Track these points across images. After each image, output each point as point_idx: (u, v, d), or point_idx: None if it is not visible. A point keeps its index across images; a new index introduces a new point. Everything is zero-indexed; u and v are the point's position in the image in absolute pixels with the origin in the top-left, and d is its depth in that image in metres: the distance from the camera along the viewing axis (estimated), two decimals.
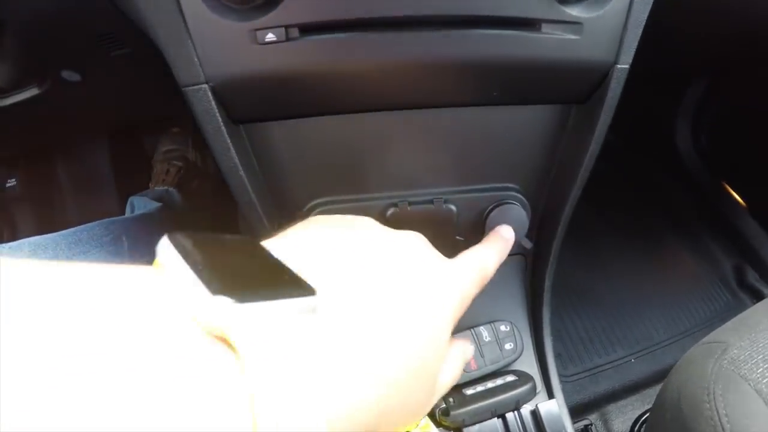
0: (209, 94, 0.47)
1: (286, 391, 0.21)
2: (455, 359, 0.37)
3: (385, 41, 0.46)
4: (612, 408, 1.05)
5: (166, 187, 1.23)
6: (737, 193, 1.33)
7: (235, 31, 0.44)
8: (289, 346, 0.21)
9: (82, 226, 0.76)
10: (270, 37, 0.44)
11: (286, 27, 0.44)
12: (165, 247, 0.23)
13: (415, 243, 0.36)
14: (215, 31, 0.44)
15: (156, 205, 1.02)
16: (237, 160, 0.51)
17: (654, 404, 0.59)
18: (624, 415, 1.04)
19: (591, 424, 1.01)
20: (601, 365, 1.10)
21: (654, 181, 1.41)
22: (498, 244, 0.48)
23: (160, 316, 0.20)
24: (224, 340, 0.20)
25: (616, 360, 1.11)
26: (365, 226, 0.35)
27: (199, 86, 0.46)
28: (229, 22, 0.44)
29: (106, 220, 0.82)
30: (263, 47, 0.44)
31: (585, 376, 1.07)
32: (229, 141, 0.49)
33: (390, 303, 0.30)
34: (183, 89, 0.47)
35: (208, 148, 0.51)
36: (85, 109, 1.08)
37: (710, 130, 1.35)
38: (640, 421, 1.00)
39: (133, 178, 1.32)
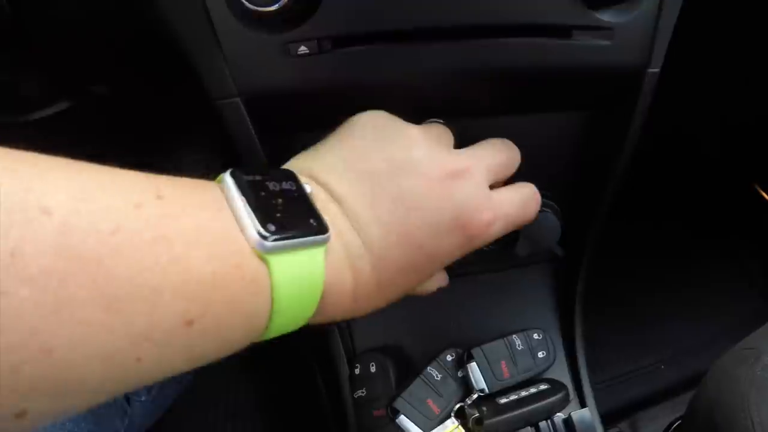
0: (241, 107, 0.47)
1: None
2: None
3: (417, 52, 0.46)
4: (642, 416, 1.02)
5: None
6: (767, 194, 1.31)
7: (266, 43, 0.44)
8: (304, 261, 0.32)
9: None
10: (302, 50, 0.44)
11: (319, 39, 0.44)
12: (228, 182, 0.32)
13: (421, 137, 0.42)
14: (246, 44, 0.44)
15: None
16: None
17: (686, 412, 0.58)
18: (655, 422, 1.01)
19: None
20: (631, 371, 1.08)
21: (679, 182, 1.40)
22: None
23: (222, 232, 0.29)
24: (260, 255, 0.29)
25: (645, 366, 1.09)
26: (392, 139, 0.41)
27: (232, 99, 0.47)
28: (260, 35, 0.44)
29: None
30: (296, 60, 0.44)
31: (614, 383, 1.06)
32: (261, 152, 0.50)
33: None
34: (214, 102, 0.47)
35: (235, 158, 0.52)
36: (113, 122, 1.09)
37: (738, 129, 1.33)
38: (672, 429, 0.99)
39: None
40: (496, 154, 0.46)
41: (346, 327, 0.66)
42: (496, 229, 0.42)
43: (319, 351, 0.73)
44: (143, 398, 0.74)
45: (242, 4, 0.41)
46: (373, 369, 0.62)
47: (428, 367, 0.60)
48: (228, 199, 0.31)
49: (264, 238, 0.29)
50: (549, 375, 0.65)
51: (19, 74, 0.98)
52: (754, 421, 0.46)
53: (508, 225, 0.44)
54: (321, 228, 0.33)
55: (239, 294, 0.28)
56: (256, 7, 0.41)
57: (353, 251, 0.36)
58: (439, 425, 0.58)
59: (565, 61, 0.49)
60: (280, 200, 0.32)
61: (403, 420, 0.57)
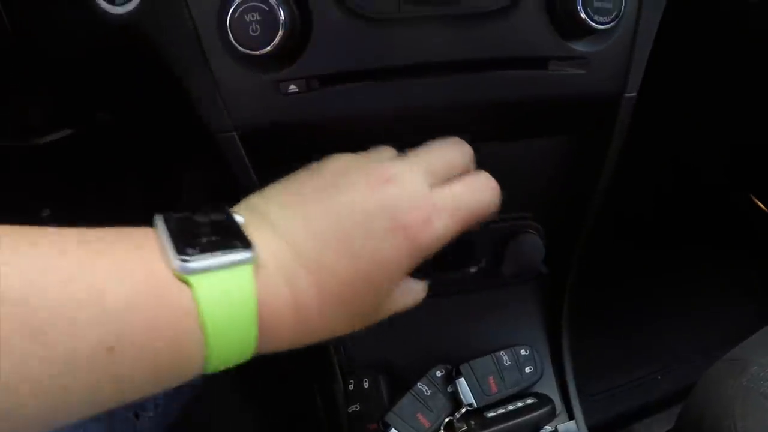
0: (237, 140, 0.50)
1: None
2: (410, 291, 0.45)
3: (399, 88, 0.49)
4: (637, 427, 1.02)
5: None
6: (764, 205, 1.31)
7: (260, 83, 0.47)
8: (226, 277, 0.31)
9: None
10: (292, 88, 0.47)
11: (307, 78, 0.47)
12: (157, 220, 0.33)
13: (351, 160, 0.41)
14: (241, 82, 0.47)
15: None
16: None
17: (675, 425, 0.59)
18: None
19: None
20: (625, 383, 1.07)
21: (674, 192, 1.39)
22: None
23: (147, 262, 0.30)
24: (183, 279, 0.30)
25: (640, 377, 1.08)
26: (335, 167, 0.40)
27: (228, 134, 0.49)
28: (254, 74, 0.47)
29: None
30: (286, 97, 0.47)
31: (609, 395, 1.05)
32: (257, 181, 0.52)
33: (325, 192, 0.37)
34: (213, 135, 0.50)
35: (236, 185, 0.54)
36: (118, 148, 1.11)
37: (734, 139, 1.32)
38: None
39: (162, 206, 1.34)
40: (437, 154, 0.43)
41: (340, 343, 0.68)
42: (443, 226, 0.38)
43: (316, 367, 0.75)
44: (150, 413, 0.76)
45: (236, 48, 0.43)
46: (366, 385, 0.65)
47: (418, 383, 0.63)
48: (157, 236, 0.32)
49: (184, 261, 0.29)
50: (537, 389, 0.67)
51: (25, 101, 1.01)
52: (738, 429, 0.47)
53: (459, 219, 0.40)
54: (246, 246, 0.32)
55: (160, 318, 0.29)
56: (248, 51, 0.43)
57: (288, 267, 0.34)
58: None
59: (542, 91, 0.51)
60: (206, 229, 0.32)
61: None
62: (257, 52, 0.43)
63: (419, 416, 0.60)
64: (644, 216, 1.34)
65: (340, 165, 0.40)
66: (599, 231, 0.68)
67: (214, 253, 0.31)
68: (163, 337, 0.29)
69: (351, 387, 0.65)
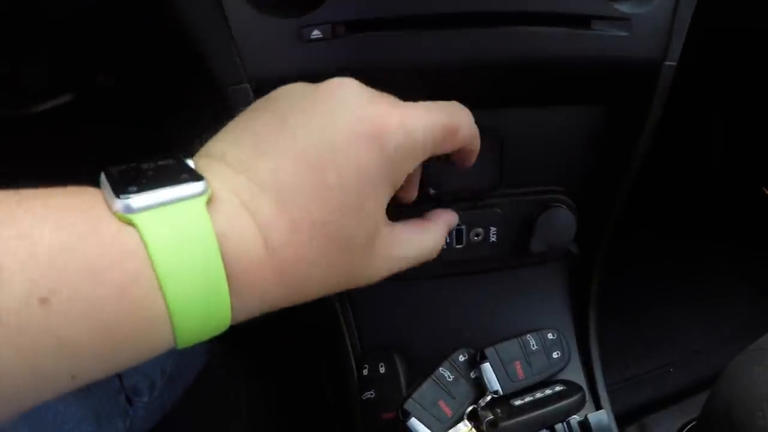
0: (251, 93, 0.46)
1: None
2: (427, 233, 0.42)
3: (432, 39, 0.46)
4: (651, 419, 1.01)
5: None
6: None
7: (279, 28, 0.43)
8: (176, 214, 0.28)
9: None
10: (316, 34, 0.43)
11: (333, 24, 0.43)
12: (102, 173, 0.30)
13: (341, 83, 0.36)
14: (258, 28, 0.43)
15: None
16: None
17: (701, 414, 0.57)
18: (664, 425, 1.00)
19: None
20: (639, 374, 1.07)
21: (688, 185, 1.39)
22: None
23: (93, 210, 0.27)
24: (126, 220, 0.27)
25: (654, 369, 1.08)
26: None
27: (241, 86, 0.46)
28: (273, 19, 0.43)
29: None
30: (308, 45, 0.44)
31: (623, 386, 1.05)
32: None
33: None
34: (224, 89, 0.46)
35: None
36: (119, 115, 1.09)
37: (746, 133, 1.33)
38: (685, 431, 0.98)
39: None
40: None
41: (353, 324, 0.65)
42: (414, 131, 0.35)
43: (325, 350, 0.72)
44: (145, 399, 0.73)
45: None
46: (382, 370, 0.61)
47: (440, 368, 0.59)
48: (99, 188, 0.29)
49: (125, 200, 0.27)
50: (564, 376, 0.64)
51: (21, 65, 0.98)
52: None
53: (432, 129, 0.36)
54: (194, 178, 0.29)
55: (101, 262, 0.25)
56: None
57: (245, 194, 0.31)
58: (451, 428, 0.57)
59: (582, 51, 0.49)
60: (150, 172, 0.30)
61: (414, 423, 0.56)
62: None
63: (441, 403, 0.57)
64: (659, 207, 1.35)
65: (289, 92, 0.36)
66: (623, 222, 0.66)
67: (158, 190, 0.28)
68: (105, 283, 0.25)
69: (365, 372, 0.62)
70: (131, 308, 0.26)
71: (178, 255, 0.27)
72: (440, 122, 0.37)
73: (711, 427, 0.54)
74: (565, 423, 0.59)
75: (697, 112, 1.35)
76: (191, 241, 0.27)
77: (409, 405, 0.56)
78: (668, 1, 0.48)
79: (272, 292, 0.32)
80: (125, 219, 0.27)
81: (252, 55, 0.44)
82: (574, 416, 0.60)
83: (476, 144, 0.42)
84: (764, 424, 0.46)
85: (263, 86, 0.45)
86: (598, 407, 0.66)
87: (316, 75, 0.44)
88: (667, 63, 0.51)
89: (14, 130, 1.05)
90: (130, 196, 0.27)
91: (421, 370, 0.60)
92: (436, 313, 0.65)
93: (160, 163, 0.31)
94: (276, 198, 0.31)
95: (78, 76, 1.00)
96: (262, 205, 0.31)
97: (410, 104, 0.36)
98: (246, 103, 0.46)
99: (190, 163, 0.32)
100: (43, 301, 0.24)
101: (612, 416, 0.64)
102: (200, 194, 0.29)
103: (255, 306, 0.32)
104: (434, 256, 0.43)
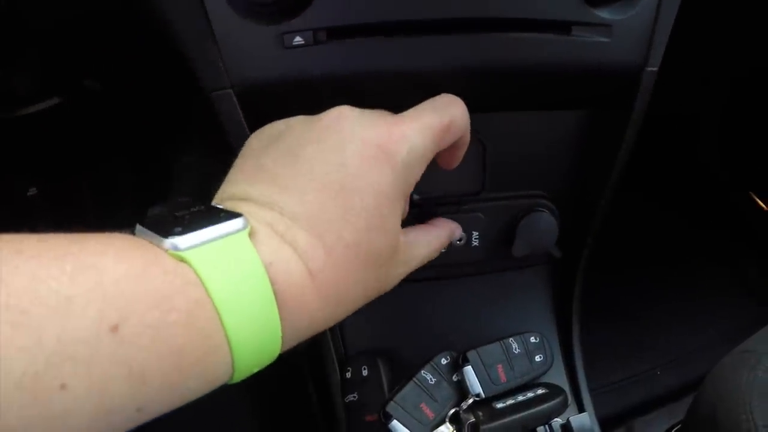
0: (234, 99, 0.47)
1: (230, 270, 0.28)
2: (431, 234, 0.45)
3: (411, 46, 0.46)
4: (639, 422, 1.02)
5: (187, 198, 1.23)
6: (765, 203, 1.32)
7: (262, 34, 0.44)
8: (223, 249, 0.29)
9: None
10: (298, 40, 0.44)
11: (314, 30, 0.43)
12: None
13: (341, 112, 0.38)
14: (241, 34, 0.44)
15: None
16: None
17: (687, 415, 0.57)
18: (651, 428, 1.01)
19: None
20: (626, 378, 1.08)
21: (677, 189, 1.40)
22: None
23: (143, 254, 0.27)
24: (182, 258, 0.27)
25: (640, 373, 1.09)
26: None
27: (224, 91, 0.46)
28: (255, 25, 0.43)
29: None
30: (290, 51, 0.44)
31: (610, 389, 1.05)
32: None
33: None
34: (207, 95, 0.47)
35: (228, 154, 0.51)
36: (106, 118, 1.09)
37: (735, 137, 1.34)
38: None
39: (152, 188, 1.33)
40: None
41: (337, 328, 0.65)
42: (416, 136, 0.38)
43: (309, 353, 0.72)
44: None
45: None
46: (365, 372, 0.61)
47: (422, 371, 0.59)
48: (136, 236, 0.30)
49: (173, 240, 0.28)
50: (547, 379, 0.64)
51: (10, 69, 0.98)
52: (757, 424, 0.46)
53: (432, 130, 0.39)
54: (232, 215, 0.31)
55: (168, 287, 0.26)
56: None
57: (280, 227, 0.33)
58: (433, 431, 0.57)
59: (563, 57, 0.49)
60: (187, 217, 0.31)
61: (396, 425, 0.56)
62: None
63: (423, 406, 0.57)
64: (648, 210, 1.36)
65: (291, 127, 0.38)
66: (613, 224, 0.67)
67: (202, 230, 0.29)
68: (173, 309, 0.26)
69: (348, 375, 0.62)
70: (197, 335, 0.27)
71: (232, 286, 0.28)
72: (435, 124, 0.39)
73: (696, 428, 0.54)
74: (547, 426, 0.60)
75: (687, 115, 1.36)
76: (243, 273, 0.29)
77: (390, 407, 0.56)
78: (649, 8, 0.48)
79: (317, 316, 0.33)
80: (177, 256, 0.27)
81: (235, 60, 0.45)
82: (557, 419, 0.61)
83: (468, 135, 0.44)
84: (749, 426, 0.46)
85: (246, 92, 0.46)
86: (581, 410, 0.66)
87: (297, 81, 0.45)
88: (649, 69, 0.51)
89: (3, 132, 1.06)
90: (177, 237, 0.28)
91: (404, 373, 0.60)
92: (419, 317, 0.65)
93: (193, 209, 0.32)
94: (309, 227, 0.33)
95: (66, 80, 1.00)
96: (298, 235, 0.32)
97: (405, 116, 0.39)
98: (229, 109, 0.47)
99: (218, 205, 0.33)
100: (114, 329, 0.23)
101: (595, 419, 0.65)
102: (242, 229, 0.30)
103: (302, 331, 0.33)
104: (435, 255, 0.46)
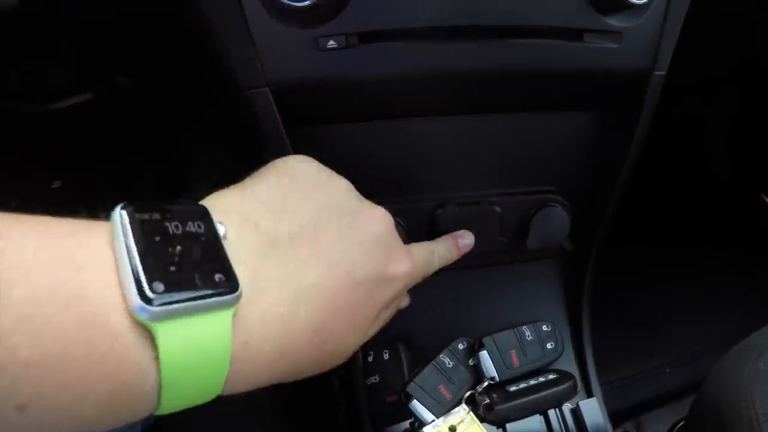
0: (270, 96, 0.49)
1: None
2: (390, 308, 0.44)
3: (435, 50, 0.49)
4: (645, 418, 1.03)
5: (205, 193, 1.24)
6: None
7: (297, 37, 0.46)
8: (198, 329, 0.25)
9: None
10: (331, 44, 0.46)
11: (347, 35, 0.46)
12: (117, 219, 0.26)
13: (381, 224, 0.40)
14: (278, 37, 0.47)
15: None
16: None
17: (691, 409, 0.59)
18: (659, 423, 1.01)
19: None
20: (634, 375, 1.08)
21: (686, 189, 1.40)
22: (449, 243, 0.54)
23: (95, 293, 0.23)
24: (143, 323, 0.24)
25: (649, 370, 1.09)
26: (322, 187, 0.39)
27: (261, 89, 0.49)
28: (292, 29, 0.46)
29: None
30: (324, 53, 0.47)
31: (620, 385, 1.06)
32: (287, 142, 0.52)
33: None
34: (244, 93, 0.50)
35: (249, 153, 0.54)
36: (133, 117, 1.11)
37: (744, 139, 1.34)
38: (676, 429, 0.99)
39: (172, 183, 1.35)
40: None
41: None
42: (418, 276, 0.44)
43: None
44: None
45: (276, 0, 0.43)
46: (386, 356, 0.64)
47: (440, 355, 0.62)
48: (113, 243, 0.25)
49: (148, 300, 0.23)
50: (556, 366, 0.67)
51: (46, 63, 1.00)
52: (758, 413, 0.46)
53: (430, 270, 0.48)
54: (230, 284, 0.26)
55: (108, 360, 0.23)
56: (289, 2, 0.43)
57: (271, 317, 0.30)
58: (450, 411, 0.60)
59: (576, 62, 0.52)
60: (178, 248, 0.25)
61: (416, 405, 0.59)
62: (297, 4, 0.43)
63: (441, 388, 0.60)
64: (660, 213, 1.36)
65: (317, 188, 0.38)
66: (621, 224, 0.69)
67: (188, 291, 0.25)
68: (116, 379, 0.23)
69: (370, 358, 0.65)
70: (126, 394, 0.24)
71: (189, 370, 0.25)
72: (418, 274, 0.44)
73: (701, 420, 0.55)
74: (557, 409, 0.63)
75: (695, 117, 1.37)
76: (207, 356, 0.26)
77: (411, 388, 0.59)
78: (657, 15, 0.51)
79: (264, 379, 0.32)
80: (142, 322, 0.23)
81: (271, 60, 0.47)
82: (567, 404, 0.64)
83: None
84: (749, 415, 0.47)
85: (281, 90, 0.49)
86: (589, 396, 0.69)
87: (330, 81, 0.49)
88: (657, 73, 0.53)
89: (35, 125, 1.08)
90: (153, 299, 0.23)
91: (423, 358, 0.63)
92: (437, 305, 0.68)
93: (189, 229, 0.27)
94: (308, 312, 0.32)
95: (99, 76, 1.02)
96: (275, 324, 0.30)
97: (426, 250, 0.48)
98: (265, 107, 0.50)
99: (221, 229, 0.29)
100: (20, 407, 0.21)
101: (603, 404, 0.67)
102: (231, 304, 0.27)
103: (243, 388, 0.31)
104: (442, 263, 0.51)
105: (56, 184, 1.39)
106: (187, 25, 0.59)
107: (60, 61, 0.99)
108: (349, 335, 0.36)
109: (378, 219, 0.39)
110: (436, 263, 0.49)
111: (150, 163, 1.39)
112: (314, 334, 0.32)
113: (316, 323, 0.32)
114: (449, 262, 0.53)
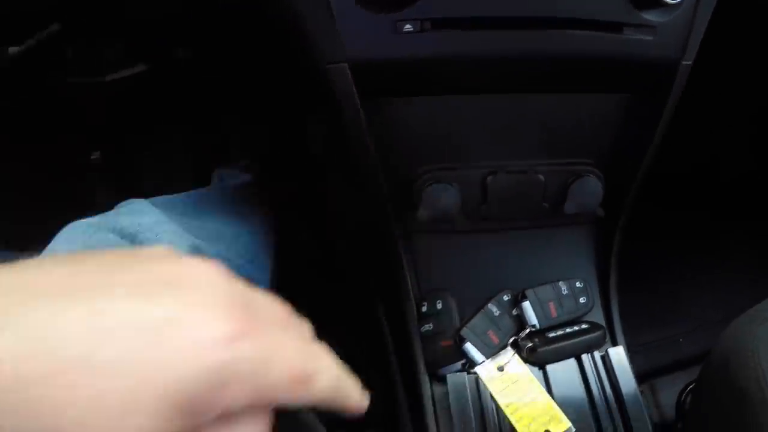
0: (348, 71, 0.56)
1: None
2: None
3: (498, 37, 0.56)
4: (660, 381, 1.06)
5: (247, 162, 1.25)
6: None
7: (378, 21, 0.53)
8: None
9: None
10: (408, 27, 0.53)
11: (422, 20, 0.53)
12: None
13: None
14: (359, 20, 0.53)
15: (247, 176, 1.07)
16: (366, 131, 0.61)
17: (702, 371, 0.62)
18: (672, 387, 1.03)
19: (641, 392, 1.03)
20: (649, 342, 1.11)
21: (707, 165, 1.39)
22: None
23: None
24: None
25: (664, 338, 1.12)
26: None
27: (340, 65, 0.55)
28: (372, 13, 0.53)
29: (218, 184, 0.89)
30: (401, 36, 0.53)
31: (637, 351, 1.02)
32: (362, 113, 0.59)
33: None
34: (323, 66, 0.56)
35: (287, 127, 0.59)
36: (188, 88, 1.15)
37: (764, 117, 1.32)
38: (687, 390, 0.99)
39: (208, 155, 1.34)
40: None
41: (414, 271, 0.75)
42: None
43: (385, 290, 0.81)
44: None
45: None
46: (439, 306, 0.71)
47: (488, 304, 0.70)
48: None
49: None
50: (588, 318, 0.74)
51: (101, 36, 1.05)
52: (765, 373, 0.49)
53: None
54: None
55: None
56: None
57: None
58: (498, 353, 0.68)
59: (614, 52, 0.58)
60: None
61: (469, 346, 0.67)
62: None
63: (489, 333, 0.67)
64: (681, 187, 1.35)
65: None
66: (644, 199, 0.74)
67: None
68: None
69: (424, 309, 0.72)
70: None
71: None
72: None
73: (711, 380, 0.59)
74: (589, 354, 0.70)
75: (719, 95, 1.37)
76: None
77: (464, 332, 0.67)
78: (688, 10, 0.56)
79: None
80: None
81: (352, 40, 0.54)
82: (596, 351, 0.71)
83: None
84: (757, 374, 0.49)
85: (358, 67, 0.56)
86: (615, 344, 0.76)
87: (405, 61, 0.55)
88: (684, 62, 0.60)
89: (91, 95, 1.13)
90: None
91: (470, 309, 0.71)
92: (484, 262, 0.75)
93: None
94: None
95: (154, 49, 1.06)
96: None
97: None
98: (343, 80, 0.56)
99: None
100: None
101: (626, 350, 0.73)
102: None
103: None
104: None
105: (95, 156, 1.41)
106: (269, 7, 0.65)
107: (118, 33, 1.02)
108: None
109: None
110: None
111: (188, 134, 1.41)
112: None
113: None
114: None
